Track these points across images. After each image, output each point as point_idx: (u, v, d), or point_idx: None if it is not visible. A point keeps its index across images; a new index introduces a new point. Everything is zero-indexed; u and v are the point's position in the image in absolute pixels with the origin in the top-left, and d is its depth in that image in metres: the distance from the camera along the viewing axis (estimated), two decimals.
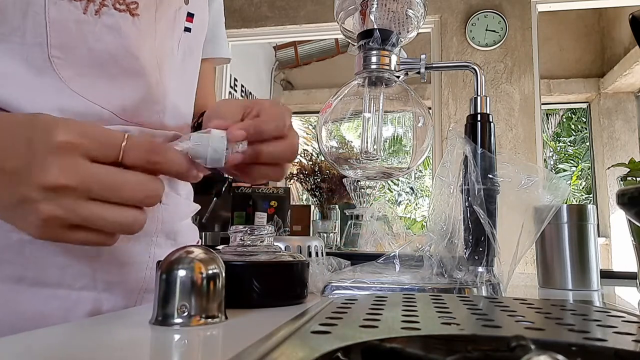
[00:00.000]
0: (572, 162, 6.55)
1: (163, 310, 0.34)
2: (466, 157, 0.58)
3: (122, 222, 0.37)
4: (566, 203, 0.67)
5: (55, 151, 0.35)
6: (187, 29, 0.60)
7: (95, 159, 0.36)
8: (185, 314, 0.33)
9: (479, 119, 0.61)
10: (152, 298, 0.35)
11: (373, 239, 0.63)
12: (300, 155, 2.39)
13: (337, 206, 2.23)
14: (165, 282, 0.34)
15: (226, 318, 0.36)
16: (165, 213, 0.57)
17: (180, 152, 0.41)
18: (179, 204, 0.61)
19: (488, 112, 0.62)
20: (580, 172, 6.23)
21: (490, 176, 0.58)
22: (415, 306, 0.34)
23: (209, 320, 0.34)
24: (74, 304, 0.48)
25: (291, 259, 0.46)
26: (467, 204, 0.57)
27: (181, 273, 0.34)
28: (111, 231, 0.38)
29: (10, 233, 0.45)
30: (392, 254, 0.59)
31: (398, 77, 0.65)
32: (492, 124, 0.61)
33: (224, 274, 0.35)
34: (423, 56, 0.65)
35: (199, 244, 0.68)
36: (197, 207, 0.66)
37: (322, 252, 0.74)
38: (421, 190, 7.09)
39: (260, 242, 0.46)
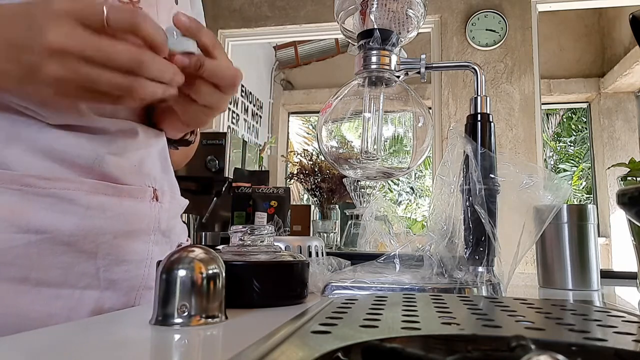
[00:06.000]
0: (572, 162, 6.54)
1: (163, 310, 0.33)
2: (467, 156, 0.57)
3: (121, 84, 0.41)
4: (566, 203, 0.67)
5: (53, 17, 0.39)
6: None
7: (87, 24, 0.40)
8: (185, 313, 0.33)
9: (479, 118, 0.61)
10: (151, 295, 0.35)
11: (373, 239, 0.63)
12: (300, 155, 2.39)
13: (337, 206, 2.23)
14: (165, 282, 0.34)
15: (226, 318, 0.36)
16: (162, 211, 0.58)
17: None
18: (173, 202, 0.62)
19: (488, 112, 0.62)
20: (580, 172, 6.23)
21: (492, 176, 0.58)
22: (415, 306, 0.34)
23: (209, 320, 0.34)
24: (77, 302, 0.49)
25: (291, 259, 0.46)
26: (467, 203, 0.57)
27: (181, 273, 0.34)
28: (115, 92, 0.42)
29: (15, 235, 0.45)
30: (392, 254, 0.59)
31: (398, 77, 0.65)
32: (492, 123, 0.61)
33: (224, 274, 0.35)
34: (423, 56, 0.65)
35: (189, 241, 0.69)
36: (186, 202, 0.67)
37: (322, 252, 0.74)
38: (421, 190, 7.09)
39: (260, 242, 0.46)
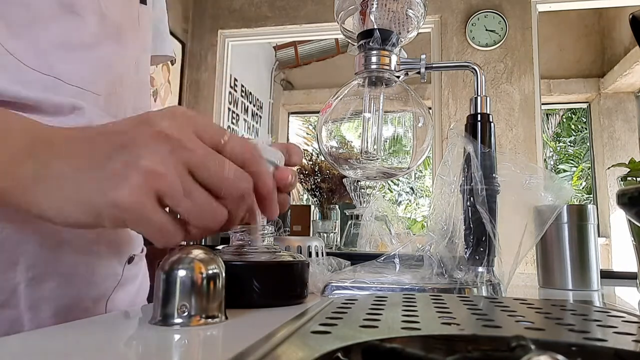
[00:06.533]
0: (572, 162, 6.54)
1: (163, 310, 0.33)
2: (468, 156, 0.58)
3: (208, 211, 0.33)
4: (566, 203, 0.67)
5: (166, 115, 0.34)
6: (143, 1, 0.58)
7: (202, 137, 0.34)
8: (185, 314, 0.33)
9: (479, 119, 0.61)
10: None
11: (373, 239, 0.63)
12: None
13: (337, 206, 2.23)
14: (165, 282, 0.34)
15: (226, 318, 0.36)
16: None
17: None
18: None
19: (488, 112, 0.62)
20: (580, 173, 6.23)
21: (493, 175, 0.58)
22: (415, 306, 0.34)
23: (209, 320, 0.34)
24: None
25: (291, 259, 0.46)
26: (468, 203, 0.57)
27: (181, 273, 0.34)
28: (196, 222, 0.33)
29: None
30: (392, 254, 0.59)
31: (398, 77, 0.65)
32: (492, 124, 0.61)
33: (224, 274, 0.35)
34: (423, 56, 0.65)
35: (143, 252, 0.62)
36: None
37: (322, 252, 0.74)
38: (421, 190, 7.09)
39: (261, 242, 0.46)
